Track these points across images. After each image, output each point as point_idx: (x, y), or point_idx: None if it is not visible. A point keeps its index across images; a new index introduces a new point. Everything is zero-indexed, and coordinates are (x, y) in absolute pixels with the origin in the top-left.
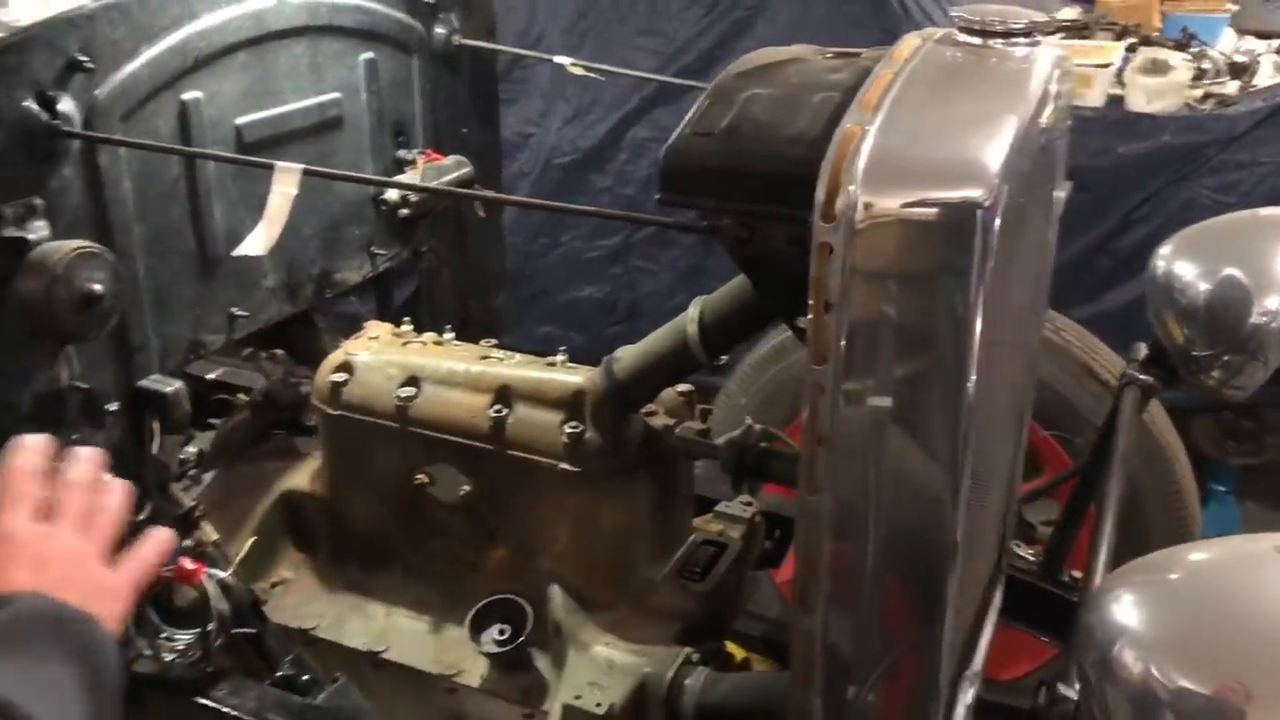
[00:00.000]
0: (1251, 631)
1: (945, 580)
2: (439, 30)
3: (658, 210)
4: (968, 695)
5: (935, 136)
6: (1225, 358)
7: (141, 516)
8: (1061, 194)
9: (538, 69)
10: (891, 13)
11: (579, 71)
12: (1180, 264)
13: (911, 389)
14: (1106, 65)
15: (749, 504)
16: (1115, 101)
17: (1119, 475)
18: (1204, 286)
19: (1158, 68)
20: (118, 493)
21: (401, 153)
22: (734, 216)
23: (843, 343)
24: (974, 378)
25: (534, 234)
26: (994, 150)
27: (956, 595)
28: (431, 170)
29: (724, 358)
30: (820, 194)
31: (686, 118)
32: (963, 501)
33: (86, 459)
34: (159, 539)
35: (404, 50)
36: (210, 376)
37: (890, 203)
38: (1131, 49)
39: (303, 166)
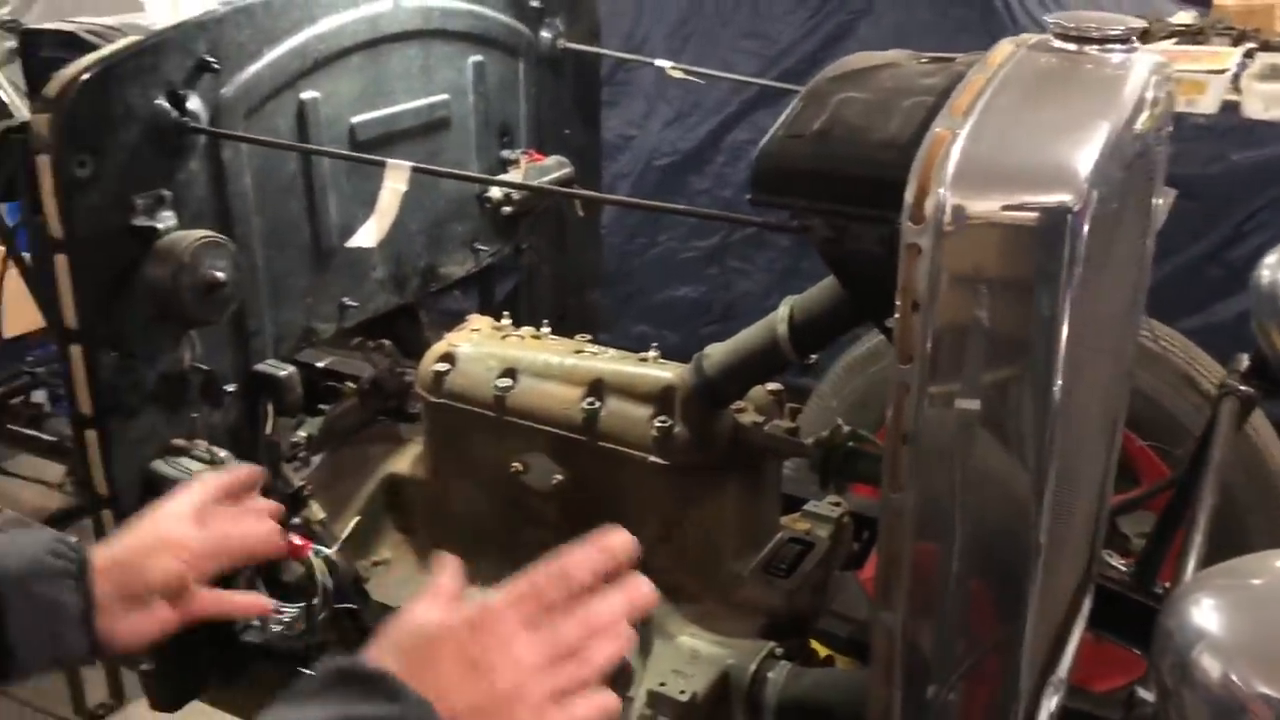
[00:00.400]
0: None
1: (1027, 582)
2: (545, 34)
3: (751, 211)
4: (1052, 702)
5: (1025, 141)
6: None
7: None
8: (1162, 202)
9: (641, 72)
10: (997, 18)
11: (678, 75)
12: None
13: (996, 391)
14: (1222, 71)
15: (837, 504)
16: (1230, 108)
17: (1213, 486)
18: None
19: (1276, 73)
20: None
21: (505, 153)
22: (824, 217)
23: (929, 343)
24: (1060, 382)
25: (631, 234)
26: (1085, 155)
27: (1039, 598)
28: (534, 170)
29: (813, 357)
30: (909, 196)
31: (780, 120)
32: (1047, 505)
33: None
34: None
35: (511, 54)
36: (320, 364)
37: (979, 206)
38: (1249, 54)
39: (412, 164)
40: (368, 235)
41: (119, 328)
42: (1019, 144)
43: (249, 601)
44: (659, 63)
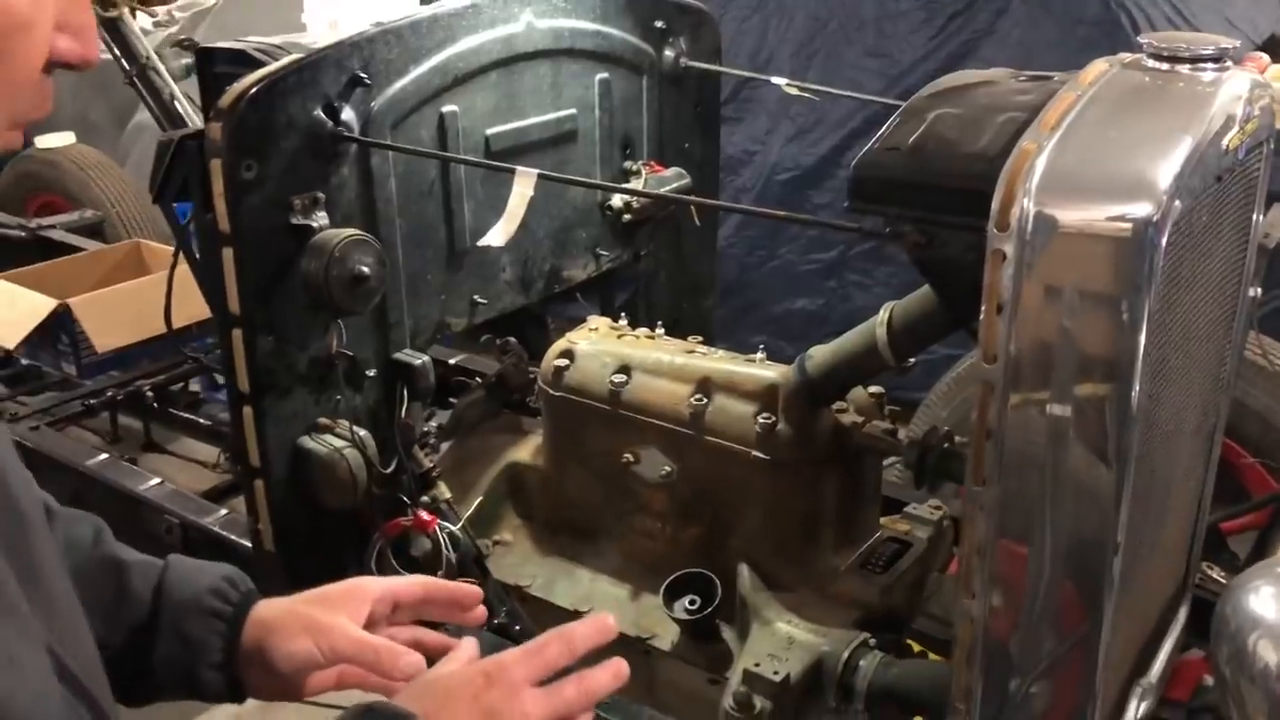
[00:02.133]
0: None
1: (1105, 581)
2: (668, 53)
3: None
4: (1139, 706)
5: (1109, 154)
6: None
7: (389, 470)
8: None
9: (764, 90)
10: (1123, 34)
11: (794, 92)
12: None
13: (1077, 394)
14: None
15: (938, 508)
16: None
17: None
18: None
19: None
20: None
21: (628, 164)
22: (916, 224)
23: (1012, 344)
24: (1138, 388)
25: (751, 247)
26: (1165, 169)
27: (1118, 599)
28: (653, 180)
29: (911, 361)
30: (995, 205)
31: (879, 133)
32: (1125, 505)
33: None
34: None
35: (636, 71)
36: (453, 361)
37: (1062, 215)
38: None
39: (538, 171)
40: (497, 235)
41: (275, 315)
42: (1102, 157)
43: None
44: (776, 80)
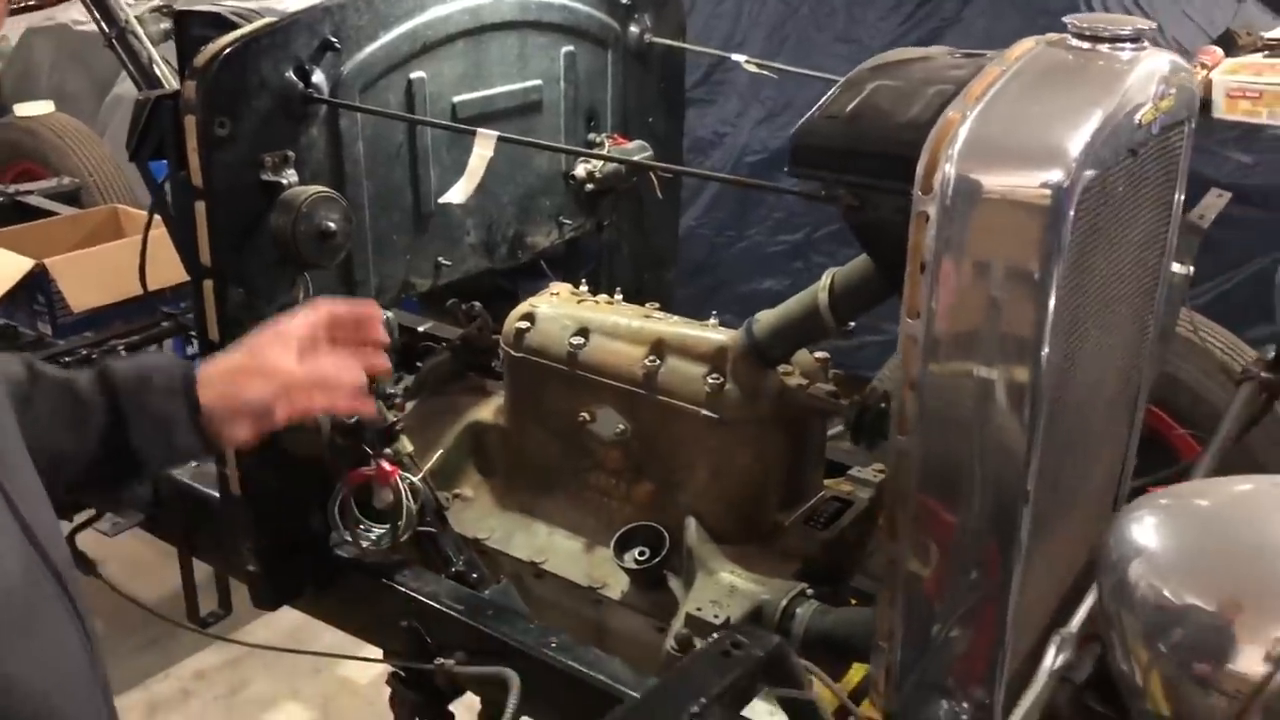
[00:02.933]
0: (1243, 552)
1: (1016, 529)
2: (633, 29)
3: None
4: (1058, 657)
5: (1027, 124)
6: None
7: (352, 421)
8: (1211, 202)
9: (736, 73)
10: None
11: (753, 69)
12: None
13: (992, 348)
14: None
15: (881, 471)
16: None
17: (1214, 463)
18: None
19: None
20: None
21: (592, 135)
22: (849, 188)
23: (933, 301)
24: (1048, 345)
25: (720, 228)
26: (1077, 138)
27: (1029, 548)
28: (616, 153)
29: (851, 325)
30: (920, 169)
31: (820, 102)
32: (1036, 456)
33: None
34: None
35: (601, 45)
36: (422, 329)
37: (981, 180)
38: None
39: (498, 133)
40: (457, 193)
41: (245, 268)
42: (1020, 126)
43: (347, 405)
44: (735, 57)
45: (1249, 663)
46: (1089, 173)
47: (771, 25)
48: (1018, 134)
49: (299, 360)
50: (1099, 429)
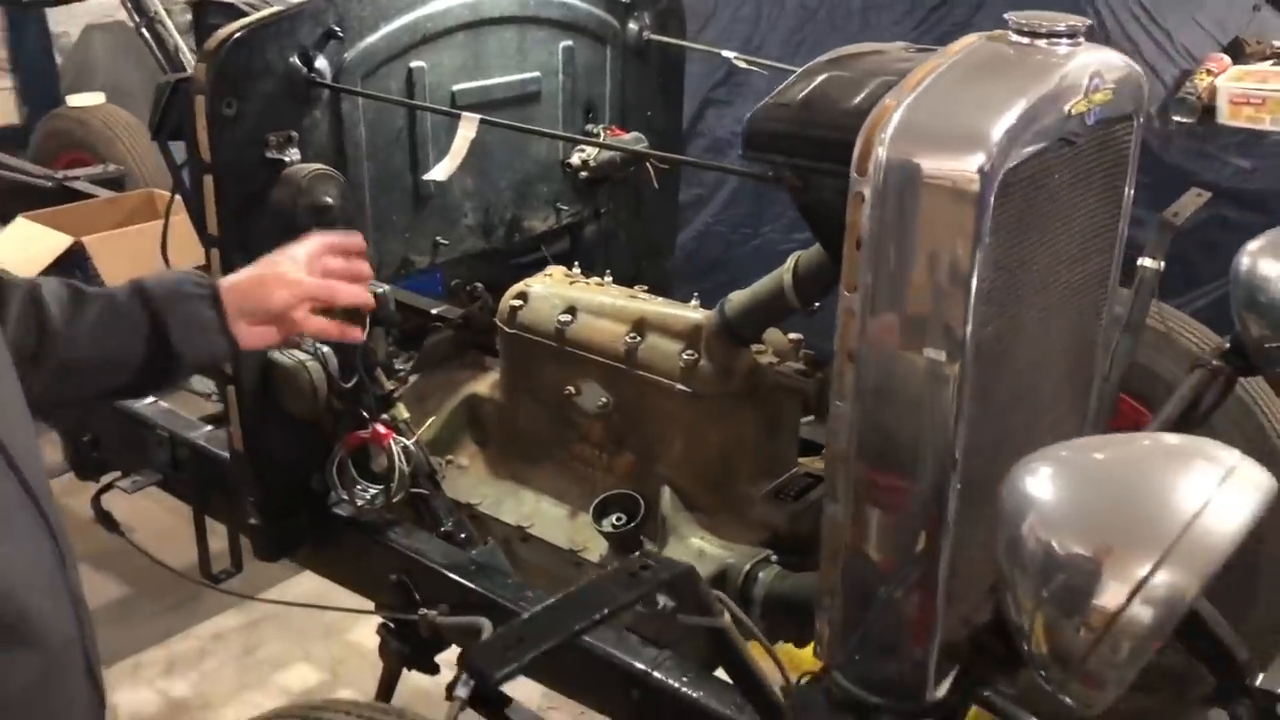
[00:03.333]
0: (1118, 500)
1: (946, 493)
2: (632, 26)
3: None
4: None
5: (955, 110)
6: None
7: (349, 385)
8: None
9: (755, 75)
10: (1090, 35)
11: (742, 64)
12: (1264, 261)
13: (921, 320)
14: None
15: None
16: None
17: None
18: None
19: None
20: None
21: (589, 126)
22: (795, 171)
23: (869, 276)
24: (972, 321)
25: (735, 225)
26: (999, 124)
27: (961, 512)
28: (612, 142)
29: (816, 305)
30: (856, 153)
31: (774, 90)
32: (964, 424)
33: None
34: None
35: (599, 41)
36: (434, 311)
37: (910, 162)
38: None
39: (480, 116)
40: (439, 171)
41: (249, 238)
42: (949, 113)
43: (339, 330)
44: (725, 53)
45: (1112, 598)
46: (1015, 157)
47: (790, 29)
48: (945, 119)
49: (309, 272)
50: (1048, 404)
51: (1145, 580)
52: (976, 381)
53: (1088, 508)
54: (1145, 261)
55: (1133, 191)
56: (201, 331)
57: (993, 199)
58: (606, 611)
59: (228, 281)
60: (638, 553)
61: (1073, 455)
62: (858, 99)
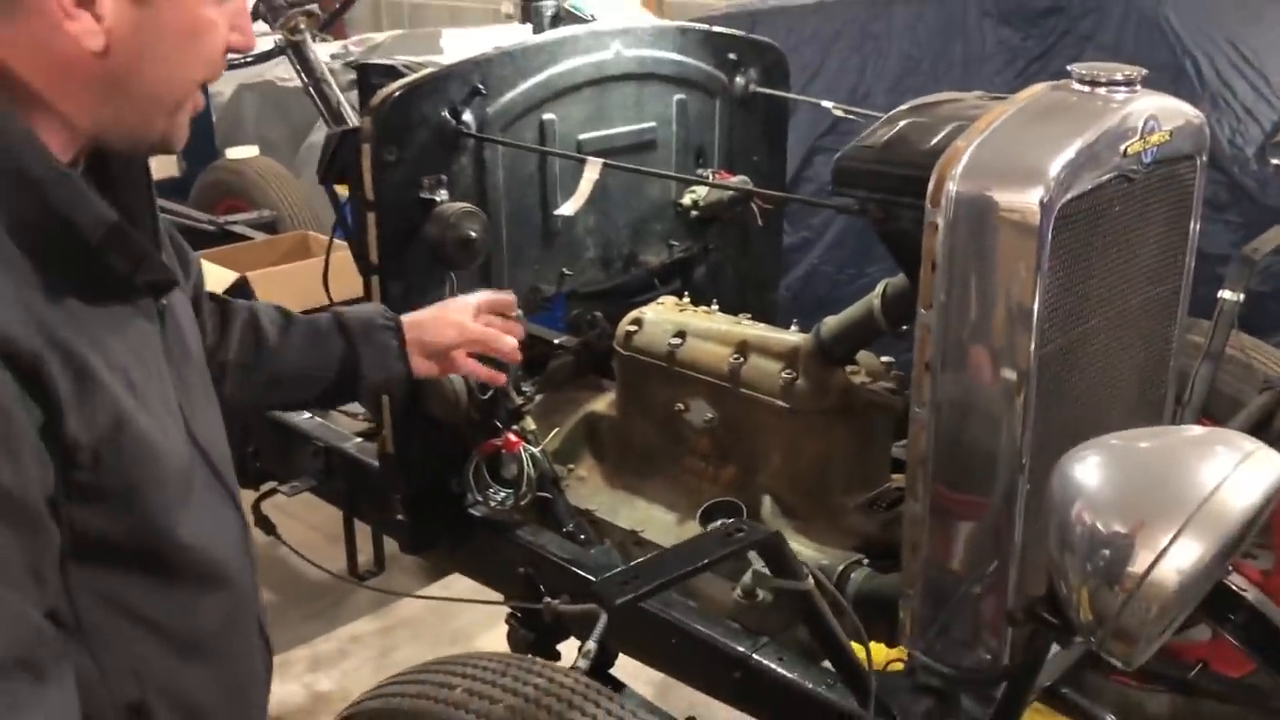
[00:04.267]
0: (1156, 482)
1: (1015, 495)
2: (739, 80)
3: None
4: None
5: (1019, 150)
6: None
7: (486, 397)
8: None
9: (857, 123)
10: (1186, 79)
11: (839, 113)
12: None
13: (991, 335)
14: None
15: None
16: None
17: None
18: None
19: None
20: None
21: (700, 170)
22: (878, 204)
23: (942, 295)
24: (1035, 339)
25: (841, 265)
26: (1056, 161)
27: (1027, 513)
28: (719, 183)
29: (904, 327)
30: (930, 187)
31: (862, 134)
32: (1030, 431)
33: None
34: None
35: (709, 94)
36: (557, 341)
37: (978, 194)
38: None
39: (603, 160)
40: (568, 208)
41: (405, 267)
42: (1013, 152)
43: (488, 373)
44: (825, 103)
45: (1141, 563)
46: (1073, 190)
47: (894, 79)
48: (1010, 157)
49: (472, 320)
50: (1119, 420)
51: (1168, 548)
52: (1042, 392)
53: (1124, 490)
54: (1225, 294)
55: (1197, 226)
56: (385, 357)
57: (1051, 228)
58: (705, 561)
59: (408, 318)
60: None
61: (1120, 443)
62: (933, 141)
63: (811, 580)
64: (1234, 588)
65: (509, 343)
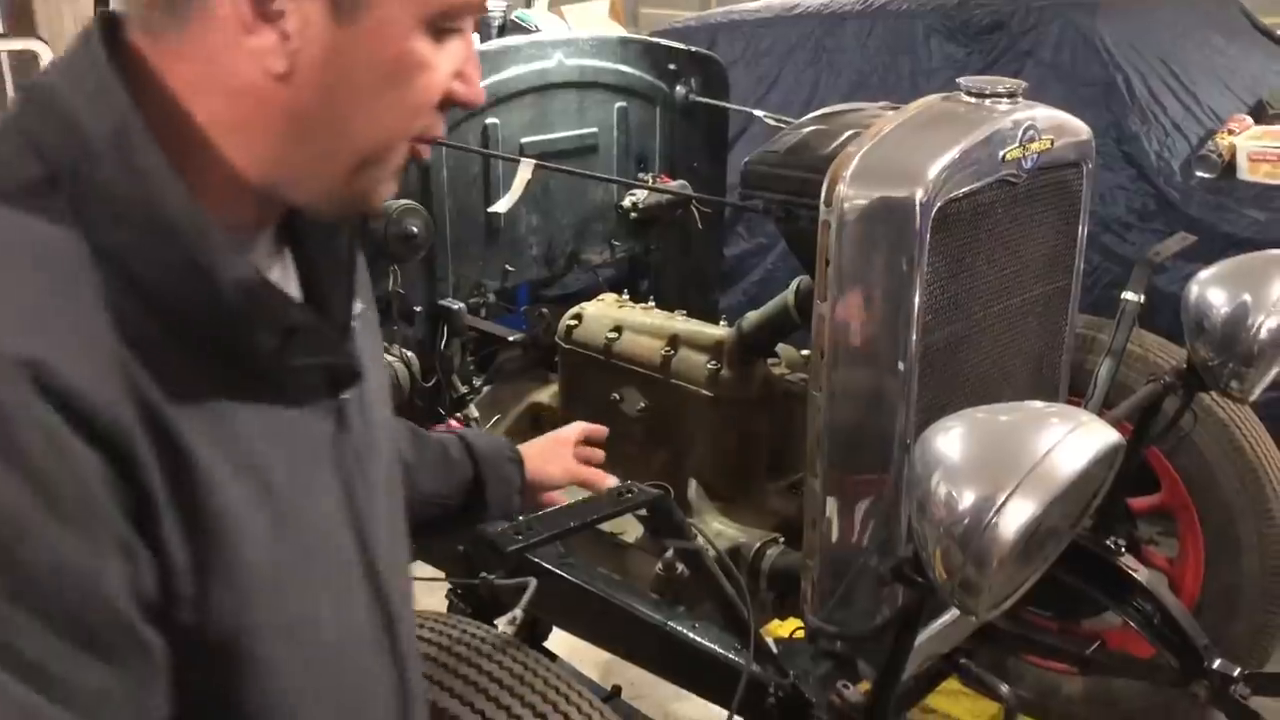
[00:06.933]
0: (994, 450)
1: (901, 473)
2: (679, 89)
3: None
4: None
5: (903, 154)
6: (1230, 365)
7: (429, 385)
8: (1172, 243)
9: None
10: (1118, 94)
11: (771, 122)
12: (1210, 290)
13: (876, 323)
14: None
15: None
16: None
17: None
18: (1220, 307)
19: None
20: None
21: (641, 175)
22: (779, 205)
23: (836, 289)
24: (917, 329)
25: (795, 270)
26: (935, 165)
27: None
28: (657, 186)
29: None
30: (824, 189)
31: (768, 141)
32: (911, 414)
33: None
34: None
35: (650, 102)
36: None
37: (866, 195)
38: None
39: (535, 161)
40: (502, 204)
41: None
42: (898, 156)
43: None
44: (757, 112)
45: (980, 520)
46: (951, 193)
47: (845, 91)
48: (894, 161)
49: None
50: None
51: (1003, 505)
52: (931, 379)
53: (975, 457)
54: (1127, 295)
55: (1085, 230)
56: (508, 490)
57: (930, 227)
58: (595, 517)
59: (525, 450)
60: None
61: (984, 415)
62: (830, 147)
63: (700, 539)
64: (1126, 569)
65: (609, 481)
